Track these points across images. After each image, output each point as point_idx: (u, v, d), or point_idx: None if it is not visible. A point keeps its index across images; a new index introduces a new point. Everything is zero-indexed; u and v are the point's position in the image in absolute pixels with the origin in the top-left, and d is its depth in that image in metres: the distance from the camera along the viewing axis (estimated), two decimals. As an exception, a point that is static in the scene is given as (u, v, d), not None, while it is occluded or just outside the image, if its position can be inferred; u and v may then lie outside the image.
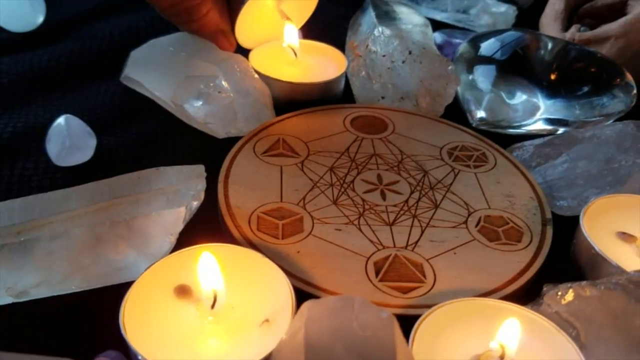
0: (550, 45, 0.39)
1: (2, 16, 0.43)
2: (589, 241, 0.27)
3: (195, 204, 0.25)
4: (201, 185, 0.26)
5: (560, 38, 0.41)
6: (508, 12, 0.49)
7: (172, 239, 0.25)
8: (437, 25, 0.51)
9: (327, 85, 0.38)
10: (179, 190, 0.25)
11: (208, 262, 0.22)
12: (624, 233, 0.28)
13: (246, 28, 0.38)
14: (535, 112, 0.37)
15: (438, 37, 0.47)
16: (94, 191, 0.25)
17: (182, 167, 0.26)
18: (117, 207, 0.24)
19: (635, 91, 0.37)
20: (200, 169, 0.26)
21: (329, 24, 0.50)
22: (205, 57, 0.35)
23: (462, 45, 0.42)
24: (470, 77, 0.40)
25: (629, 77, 0.37)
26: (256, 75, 0.36)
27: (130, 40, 0.43)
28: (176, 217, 0.25)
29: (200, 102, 0.34)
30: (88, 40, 0.43)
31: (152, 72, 0.36)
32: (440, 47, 0.46)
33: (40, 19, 0.44)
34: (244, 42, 0.39)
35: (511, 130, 0.37)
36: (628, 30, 0.40)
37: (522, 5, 0.56)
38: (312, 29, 0.47)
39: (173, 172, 0.26)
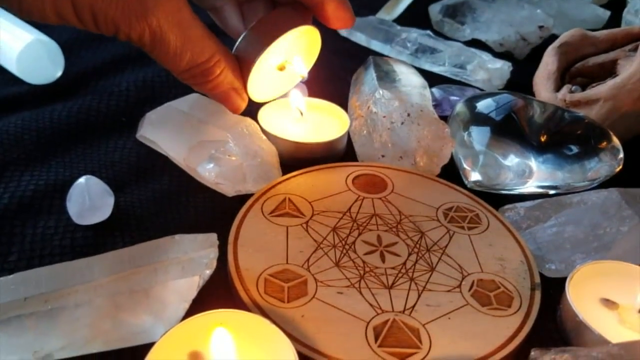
0: (541, 110, 0.41)
1: (22, 69, 0.45)
2: (574, 309, 0.28)
3: (208, 272, 0.27)
4: (214, 254, 0.27)
5: (550, 103, 0.43)
6: (503, 68, 0.51)
7: (187, 305, 0.27)
8: (435, 79, 0.53)
9: (330, 144, 0.40)
10: (193, 259, 0.27)
11: (220, 335, 0.24)
12: (607, 300, 0.30)
13: (257, 83, 0.37)
14: (527, 173, 0.39)
15: (436, 92, 0.49)
16: (115, 260, 0.27)
17: (196, 236, 0.28)
18: (136, 276, 0.26)
19: (621, 155, 0.39)
20: (212, 237, 0.28)
21: (332, 76, 0.52)
22: (216, 122, 0.37)
23: (459, 105, 0.44)
24: (466, 136, 0.42)
25: (616, 141, 0.39)
26: (264, 137, 0.38)
27: (146, 96, 0.46)
28: (190, 285, 0.26)
29: (212, 165, 0.36)
30: (105, 96, 0.45)
31: (167, 133, 0.38)
32: (438, 102, 0.48)
33: (59, 72, 0.46)
34: (255, 96, 0.38)
35: (504, 192, 0.38)
36: (616, 93, 0.42)
37: (518, 57, 0.59)
38: (316, 82, 0.50)
39: (188, 240, 0.28)
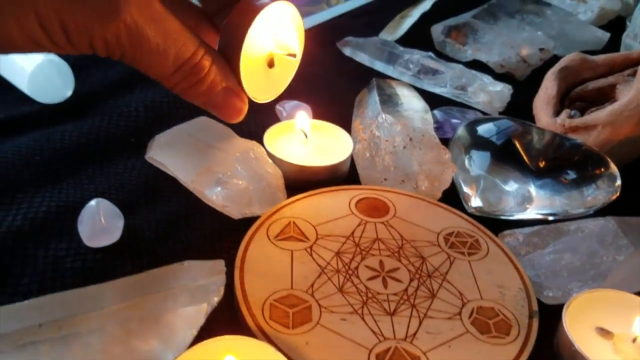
0: (539, 136, 0.42)
1: (33, 88, 0.46)
2: (570, 338, 0.29)
3: (216, 299, 0.28)
4: (221, 281, 0.28)
5: (548, 130, 0.44)
6: (503, 90, 0.52)
7: (195, 332, 0.27)
8: (436, 100, 0.54)
9: (334, 167, 0.41)
10: (201, 286, 0.28)
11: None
12: (602, 329, 0.30)
13: (251, 80, 0.32)
14: (526, 199, 0.39)
15: (438, 115, 0.49)
16: (126, 287, 0.27)
17: (204, 263, 0.29)
18: (146, 304, 0.27)
19: (618, 182, 0.39)
20: (220, 264, 0.29)
21: (336, 97, 0.52)
22: (224, 146, 0.38)
23: (460, 129, 0.45)
24: (466, 160, 0.42)
25: (613, 168, 0.40)
26: (270, 161, 0.39)
27: (155, 116, 0.47)
28: (199, 312, 0.27)
29: (219, 189, 0.37)
30: (115, 116, 0.45)
31: (175, 156, 0.39)
32: (440, 125, 0.49)
33: (70, 92, 0.47)
34: (254, 95, 0.33)
35: (504, 217, 0.39)
36: (614, 119, 0.43)
37: (519, 78, 0.59)
38: (321, 103, 0.50)
39: (196, 267, 0.29)
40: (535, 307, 0.32)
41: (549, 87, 0.48)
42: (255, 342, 0.27)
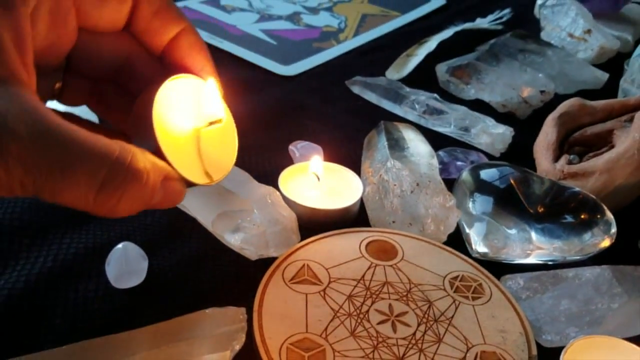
0: (539, 183, 0.44)
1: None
2: (568, 384, 0.31)
3: (238, 347, 0.30)
4: (242, 329, 0.30)
5: (547, 177, 0.46)
6: (505, 133, 0.54)
7: (218, 377, 0.29)
8: (441, 139, 0.56)
9: (345, 210, 0.43)
10: (224, 333, 0.30)
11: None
12: (598, 375, 0.32)
13: (188, 163, 0.28)
14: (527, 244, 0.41)
15: (443, 156, 0.52)
16: (154, 334, 0.29)
17: (227, 310, 0.31)
18: (173, 350, 0.29)
19: (614, 229, 0.41)
20: (242, 312, 0.31)
21: (346, 137, 0.55)
22: (242, 191, 0.40)
23: (464, 173, 0.47)
24: (470, 204, 0.44)
25: (609, 215, 0.42)
26: (285, 204, 0.41)
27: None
28: (223, 359, 0.29)
29: (237, 235, 0.39)
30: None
31: (195, 199, 0.41)
32: (445, 166, 0.51)
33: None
34: (199, 178, 0.29)
35: (506, 262, 0.41)
36: (611, 167, 0.45)
37: (520, 117, 0.62)
38: (332, 143, 0.53)
39: (219, 314, 0.31)
40: (534, 351, 0.34)
41: (549, 132, 0.51)
42: (273, 385, 0.29)
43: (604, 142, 0.51)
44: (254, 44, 0.73)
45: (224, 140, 0.31)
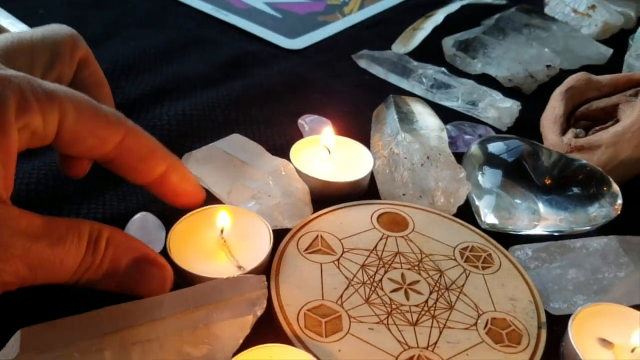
0: (547, 156, 0.45)
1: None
2: (575, 349, 0.32)
3: (260, 312, 0.31)
4: (264, 296, 0.31)
5: (555, 150, 0.46)
6: (512, 107, 0.55)
7: (241, 340, 0.30)
8: (448, 114, 0.57)
9: (356, 183, 0.44)
10: (247, 300, 0.31)
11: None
12: (604, 340, 0.33)
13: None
14: (535, 216, 0.42)
15: (451, 130, 0.52)
16: (180, 299, 0.30)
17: (248, 278, 0.32)
18: (198, 314, 0.30)
19: (620, 201, 0.42)
20: (262, 279, 0.32)
21: (355, 111, 0.55)
22: (257, 164, 0.41)
23: (473, 147, 0.47)
24: (480, 177, 0.45)
25: (615, 188, 0.43)
26: (298, 177, 0.42)
27: (186, 130, 0.49)
28: (244, 324, 0.30)
29: (253, 203, 0.39)
30: (149, 130, 0.48)
31: (212, 171, 0.42)
32: (453, 140, 0.51)
33: (106, 105, 0.50)
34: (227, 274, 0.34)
35: (514, 233, 0.42)
36: (617, 141, 0.46)
37: (526, 92, 0.62)
38: (340, 116, 0.53)
39: (242, 281, 0.32)
40: (543, 318, 0.35)
41: (556, 106, 0.51)
42: (293, 349, 0.31)
43: (610, 116, 0.52)
44: (260, 17, 0.73)
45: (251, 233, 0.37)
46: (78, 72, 0.38)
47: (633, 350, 0.32)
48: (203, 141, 0.48)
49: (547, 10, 0.78)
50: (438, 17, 0.69)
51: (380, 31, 0.73)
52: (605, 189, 0.43)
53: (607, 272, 0.37)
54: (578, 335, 0.33)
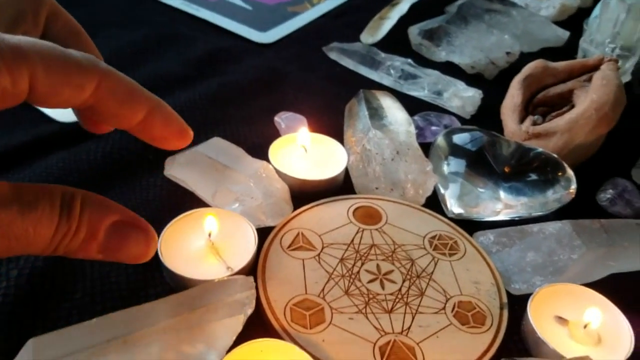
0: (506, 145, 0.48)
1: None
2: (533, 326, 0.36)
3: (249, 311, 0.33)
4: (253, 295, 0.34)
5: (513, 140, 0.49)
6: (475, 96, 0.57)
7: (234, 337, 0.33)
8: (416, 103, 0.59)
9: (332, 180, 0.46)
10: (237, 300, 0.33)
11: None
12: (559, 317, 0.37)
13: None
14: (497, 202, 0.45)
15: (419, 121, 0.55)
16: (174, 304, 0.33)
17: (237, 279, 0.34)
18: (193, 316, 0.32)
19: (574, 185, 0.46)
20: (250, 281, 0.34)
21: (327, 105, 0.57)
22: (239, 167, 0.43)
23: (438, 138, 0.50)
24: (445, 166, 0.48)
25: (570, 173, 0.46)
26: (277, 177, 0.44)
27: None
28: (236, 322, 0.33)
29: (237, 205, 0.42)
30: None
31: (195, 175, 0.44)
32: (420, 130, 0.54)
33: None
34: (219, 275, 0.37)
35: (478, 219, 0.45)
36: (571, 127, 0.49)
37: (487, 77, 0.65)
38: (314, 111, 0.55)
39: (231, 283, 0.34)
40: (504, 299, 0.39)
41: (514, 95, 0.54)
42: (282, 343, 0.33)
43: (566, 101, 0.55)
44: (230, 10, 0.73)
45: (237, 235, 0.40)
46: (48, 28, 0.35)
47: (585, 326, 0.36)
48: (184, 143, 0.50)
49: (507, -8, 0.81)
50: (403, 6, 0.71)
51: (348, 20, 0.74)
52: (559, 174, 0.47)
53: (562, 254, 0.40)
54: (536, 313, 0.37)
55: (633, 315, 0.37)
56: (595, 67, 0.56)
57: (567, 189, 0.46)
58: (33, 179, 0.44)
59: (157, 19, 0.69)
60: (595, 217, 0.46)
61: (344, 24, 0.73)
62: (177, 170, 0.45)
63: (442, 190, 0.47)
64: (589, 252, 0.40)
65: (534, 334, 0.36)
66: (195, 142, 0.48)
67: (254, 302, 0.34)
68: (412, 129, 0.50)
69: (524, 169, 0.47)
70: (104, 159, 0.47)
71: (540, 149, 0.48)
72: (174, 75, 0.59)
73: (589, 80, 0.55)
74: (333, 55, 0.65)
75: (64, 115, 0.50)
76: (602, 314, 0.36)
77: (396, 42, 0.68)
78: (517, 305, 0.39)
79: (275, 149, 0.48)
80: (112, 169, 0.47)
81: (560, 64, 0.57)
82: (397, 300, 0.38)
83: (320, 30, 0.72)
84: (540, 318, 0.37)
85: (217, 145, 0.45)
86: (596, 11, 0.62)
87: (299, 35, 0.70)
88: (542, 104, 0.55)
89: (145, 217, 0.42)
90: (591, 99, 0.50)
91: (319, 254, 0.40)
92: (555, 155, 0.48)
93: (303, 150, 0.48)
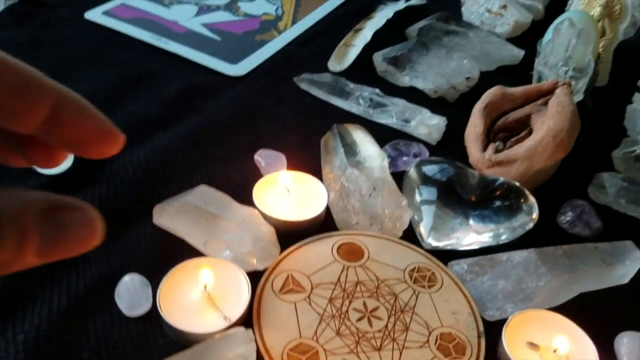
0: (471, 176, 0.51)
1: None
2: (508, 353, 0.39)
3: (252, 364, 0.35)
4: (252, 348, 0.36)
5: (476, 172, 0.53)
6: (440, 123, 0.60)
7: (239, 389, 0.35)
8: (385, 130, 0.62)
9: (315, 219, 0.48)
10: (238, 355, 0.35)
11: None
12: (531, 343, 0.40)
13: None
14: (468, 230, 0.48)
15: (389, 150, 0.58)
16: (183, 361, 0.35)
17: (236, 334, 0.36)
18: (201, 374, 0.34)
19: (536, 212, 0.49)
20: (250, 334, 0.36)
21: (303, 140, 0.59)
22: (227, 215, 0.45)
23: (410, 170, 0.53)
24: (417, 196, 0.51)
25: (531, 199, 0.50)
26: (264, 221, 0.46)
27: (152, 178, 0.52)
28: (241, 375, 0.35)
29: (228, 252, 0.44)
30: (117, 183, 0.51)
31: (185, 224, 0.45)
32: (392, 160, 0.57)
33: (69, 161, 0.52)
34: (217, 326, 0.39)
35: (451, 249, 0.48)
36: (531, 154, 0.53)
37: (449, 100, 0.68)
38: (291, 146, 0.57)
39: (232, 337, 0.36)
40: (481, 327, 0.42)
41: (477, 124, 0.57)
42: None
43: (524, 126, 0.59)
44: (199, 41, 0.74)
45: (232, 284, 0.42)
46: None
47: (555, 351, 0.39)
48: (169, 187, 0.51)
49: (463, 10, 0.84)
50: (366, 33, 0.73)
51: (315, 47, 0.76)
52: (522, 200, 0.50)
53: (530, 282, 0.43)
54: (510, 340, 0.40)
55: (595, 331, 0.41)
56: (550, 92, 0.59)
57: (530, 214, 0.49)
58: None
59: (127, 57, 0.70)
60: (557, 238, 0.50)
61: (311, 51, 0.75)
62: (167, 220, 0.46)
63: (417, 221, 0.50)
64: (554, 278, 0.43)
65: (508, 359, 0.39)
66: (180, 186, 0.50)
67: (254, 354, 0.36)
68: (385, 163, 0.53)
69: (489, 197, 0.51)
70: (94, 212, 0.48)
71: (502, 179, 0.51)
72: (152, 115, 0.60)
73: (545, 104, 0.58)
74: (304, 86, 0.67)
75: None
76: (569, 339, 0.39)
77: (363, 68, 0.70)
78: (492, 331, 0.43)
79: (259, 191, 0.50)
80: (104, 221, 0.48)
81: (517, 90, 0.60)
82: (384, 337, 0.40)
83: (290, 58, 0.73)
84: (514, 345, 0.40)
85: (204, 194, 0.47)
86: (548, 35, 0.66)
87: (269, 66, 0.72)
88: (502, 130, 0.59)
89: (140, 268, 0.44)
90: (548, 126, 0.54)
91: (309, 296, 0.43)
92: (517, 184, 0.51)
93: (285, 191, 0.50)
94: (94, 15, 0.77)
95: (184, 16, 0.80)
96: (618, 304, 0.45)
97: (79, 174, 0.51)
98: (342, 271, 0.45)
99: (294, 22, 0.82)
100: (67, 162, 0.52)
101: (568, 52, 0.62)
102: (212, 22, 0.79)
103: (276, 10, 0.84)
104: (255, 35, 0.77)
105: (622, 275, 0.46)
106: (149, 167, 0.53)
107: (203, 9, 0.82)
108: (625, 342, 0.41)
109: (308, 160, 0.56)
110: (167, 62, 0.70)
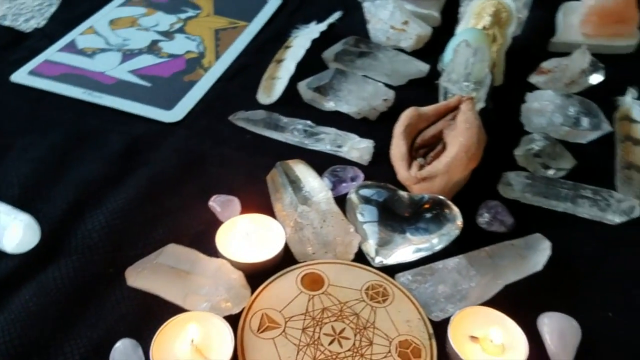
0: (401, 197, 0.58)
1: (8, 244, 0.52)
2: (454, 349, 0.46)
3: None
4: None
5: (405, 193, 0.59)
6: (368, 146, 0.67)
7: None
8: (322, 157, 0.67)
9: (276, 257, 0.54)
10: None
11: None
12: (472, 336, 0.48)
13: None
14: (407, 243, 0.55)
15: (329, 177, 0.63)
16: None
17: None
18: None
19: (460, 219, 0.56)
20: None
21: (250, 177, 0.63)
22: (199, 270, 0.49)
23: (350, 195, 0.59)
24: (359, 216, 0.57)
25: (455, 209, 0.57)
26: (233, 268, 0.51)
27: (120, 241, 0.55)
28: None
29: (206, 304, 0.48)
30: (87, 251, 0.53)
31: (162, 285, 0.49)
32: (334, 186, 0.62)
33: (37, 239, 0.53)
34: None
35: (397, 263, 0.55)
36: (449, 169, 0.60)
37: (372, 119, 0.74)
38: (240, 186, 0.62)
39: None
40: (430, 330, 0.49)
41: (399, 145, 0.64)
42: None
43: (438, 140, 0.66)
44: (130, 90, 0.76)
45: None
46: None
47: (491, 341, 0.47)
48: (136, 247, 0.54)
49: (369, 27, 0.90)
50: (289, 65, 0.78)
51: (242, 80, 0.79)
52: (447, 210, 0.57)
53: (463, 284, 0.51)
54: (455, 337, 0.47)
55: (521, 317, 0.49)
56: (456, 107, 0.67)
57: (454, 222, 0.57)
58: (16, 322, 0.47)
59: (64, 116, 0.70)
60: (479, 236, 0.58)
61: (239, 86, 0.79)
62: (143, 282, 0.50)
63: (363, 245, 0.56)
64: (482, 277, 0.51)
65: (456, 355, 0.46)
66: (145, 243, 0.54)
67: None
68: (329, 194, 0.58)
69: (420, 211, 0.58)
70: (71, 284, 0.50)
71: (427, 196, 0.58)
72: (102, 176, 0.62)
73: (454, 119, 0.66)
74: (240, 123, 0.71)
75: (18, 246, 0.52)
76: (501, 329, 0.47)
77: (290, 97, 0.75)
78: (439, 331, 0.50)
79: (221, 238, 0.54)
80: (83, 292, 0.50)
81: (430, 109, 0.67)
82: (354, 354, 0.47)
83: (220, 95, 0.77)
84: (458, 340, 0.47)
85: (174, 253, 0.50)
86: (449, 56, 0.73)
87: (203, 107, 0.75)
88: (421, 147, 0.66)
89: (126, 331, 0.47)
90: (460, 142, 0.61)
91: (284, 330, 0.48)
92: (441, 197, 0.58)
93: (245, 234, 0.55)
94: (20, 77, 0.76)
95: (110, 65, 0.81)
96: (536, 289, 0.54)
97: (49, 250, 0.53)
98: (309, 301, 0.50)
99: (217, 56, 0.84)
100: (34, 239, 0.53)
101: (467, 69, 0.70)
102: (138, 67, 0.81)
103: (197, 46, 0.87)
104: (183, 76, 0.80)
105: (535, 263, 0.54)
106: (112, 230, 0.56)
107: (127, 55, 0.83)
108: (546, 322, 0.50)
109: (258, 197, 0.60)
110: (102, 117, 0.71)
